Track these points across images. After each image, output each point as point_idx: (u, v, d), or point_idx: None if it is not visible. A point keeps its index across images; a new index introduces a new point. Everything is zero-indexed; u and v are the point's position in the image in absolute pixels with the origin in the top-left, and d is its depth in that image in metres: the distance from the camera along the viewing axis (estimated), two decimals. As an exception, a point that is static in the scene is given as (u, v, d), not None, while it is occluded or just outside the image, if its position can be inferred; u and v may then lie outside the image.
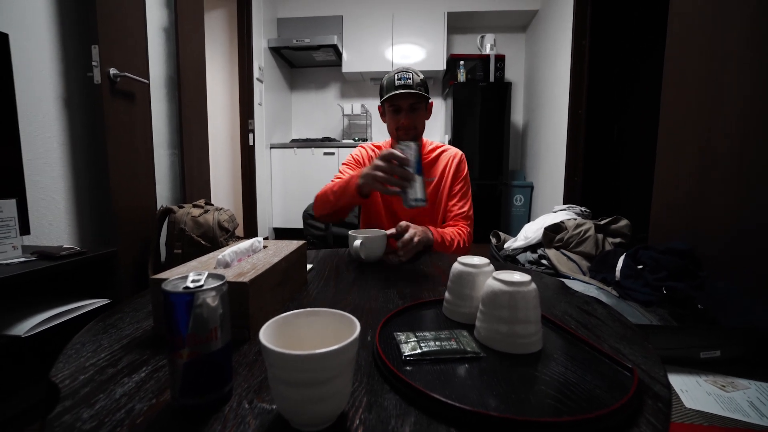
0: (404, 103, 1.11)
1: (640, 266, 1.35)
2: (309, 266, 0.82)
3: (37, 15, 1.32)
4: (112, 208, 1.49)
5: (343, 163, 1.28)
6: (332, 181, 1.24)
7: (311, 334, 0.35)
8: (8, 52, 1.09)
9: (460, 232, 1.14)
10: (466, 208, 1.20)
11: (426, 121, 1.21)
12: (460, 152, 1.26)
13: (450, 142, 3.35)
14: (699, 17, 1.43)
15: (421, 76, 1.13)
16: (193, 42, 2.10)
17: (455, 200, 1.20)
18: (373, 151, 1.28)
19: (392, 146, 1.22)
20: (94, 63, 1.44)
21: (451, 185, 1.21)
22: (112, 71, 1.49)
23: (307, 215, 3.13)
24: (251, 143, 3.05)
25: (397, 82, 1.10)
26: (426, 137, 1.31)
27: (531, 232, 1.87)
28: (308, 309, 0.36)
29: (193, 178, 2.11)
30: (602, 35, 2.73)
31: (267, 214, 3.38)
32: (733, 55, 1.28)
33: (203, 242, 1.60)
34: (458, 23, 3.70)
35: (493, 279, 0.46)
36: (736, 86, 1.26)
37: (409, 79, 1.09)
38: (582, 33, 2.57)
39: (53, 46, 1.38)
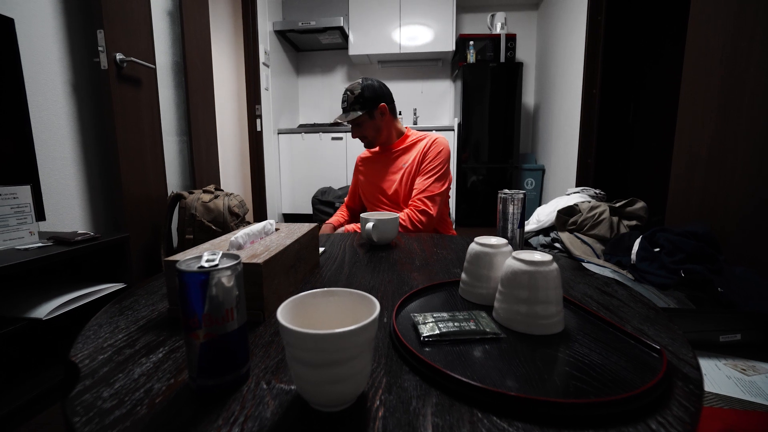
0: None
1: (657, 249, 1.32)
2: (321, 249, 0.81)
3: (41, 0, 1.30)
4: (123, 194, 1.50)
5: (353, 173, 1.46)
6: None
7: (329, 314, 0.35)
8: (14, 37, 1.08)
9: (409, 214, 1.19)
10: (427, 184, 1.22)
11: (381, 123, 1.28)
12: (436, 137, 1.28)
13: (459, 125, 3.28)
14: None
15: (358, 91, 1.23)
16: (198, 26, 2.07)
17: (420, 177, 1.24)
18: (362, 160, 1.42)
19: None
20: (100, 48, 1.42)
21: (418, 167, 1.25)
22: (119, 56, 1.48)
23: (316, 200, 3.14)
24: (259, 129, 3.03)
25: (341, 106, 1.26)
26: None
27: (543, 215, 1.84)
28: (326, 289, 0.35)
29: (201, 164, 2.11)
30: (619, 10, 2.61)
31: (276, 199, 3.38)
32: (758, 34, 1.21)
33: (214, 227, 1.60)
34: (467, 2, 3.58)
35: (513, 259, 0.45)
36: (760, 65, 1.20)
37: (345, 101, 1.24)
38: (598, 7, 2.46)
39: (59, 31, 1.37)
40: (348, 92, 1.24)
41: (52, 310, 0.89)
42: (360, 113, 1.22)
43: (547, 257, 0.44)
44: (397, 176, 1.27)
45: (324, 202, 3.04)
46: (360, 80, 1.25)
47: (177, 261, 0.46)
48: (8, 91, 1.06)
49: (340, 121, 1.25)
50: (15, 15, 1.16)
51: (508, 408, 0.30)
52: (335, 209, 2.94)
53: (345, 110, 1.25)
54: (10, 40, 1.06)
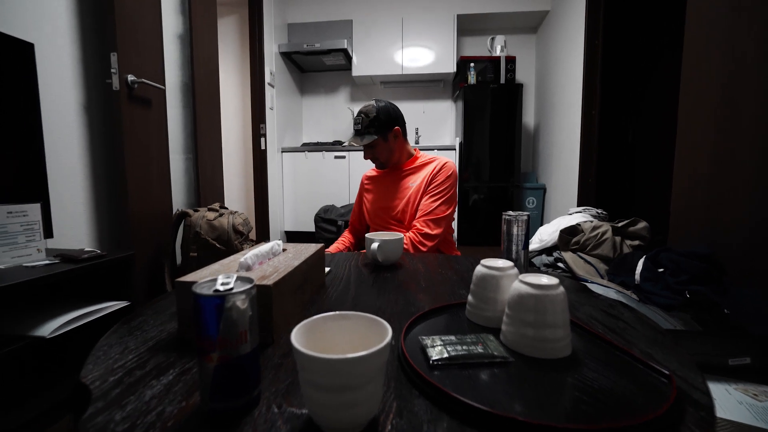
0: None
1: (661, 269, 1.32)
2: (326, 269, 0.82)
3: (59, 24, 1.36)
4: (129, 212, 1.51)
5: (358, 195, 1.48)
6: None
7: (340, 337, 0.35)
8: (33, 61, 1.12)
9: (412, 238, 1.20)
10: (434, 206, 1.23)
11: (394, 145, 1.29)
12: (446, 161, 1.30)
13: (460, 145, 3.33)
14: (717, 14, 1.40)
15: (373, 114, 1.22)
16: (207, 48, 2.14)
17: (426, 198, 1.26)
18: (368, 179, 1.42)
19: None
20: (112, 70, 1.47)
21: (426, 187, 1.27)
22: (130, 78, 1.52)
23: (318, 218, 3.15)
24: (263, 147, 3.08)
25: (353, 128, 1.28)
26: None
27: (546, 234, 1.85)
28: (338, 312, 0.36)
29: (207, 182, 2.13)
30: (616, 34, 2.69)
31: (279, 217, 3.40)
32: (754, 53, 1.24)
33: (218, 245, 1.61)
34: (468, 25, 3.70)
35: (519, 282, 0.46)
36: (757, 83, 1.23)
37: (359, 123, 1.24)
38: (595, 32, 2.54)
39: (74, 54, 1.42)
40: (362, 114, 1.24)
41: (56, 329, 0.89)
42: (375, 137, 1.23)
43: (554, 281, 0.45)
44: (405, 196, 1.28)
45: (326, 220, 3.05)
46: (374, 102, 1.25)
47: (191, 283, 0.47)
48: (25, 112, 1.09)
49: (354, 144, 1.25)
50: (34, 39, 1.20)
51: (520, 434, 0.30)
52: (337, 227, 2.95)
53: (359, 132, 1.25)
54: (29, 65, 1.10)
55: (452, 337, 0.45)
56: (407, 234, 1.21)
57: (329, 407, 0.29)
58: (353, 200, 3.27)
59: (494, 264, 0.53)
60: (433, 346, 0.43)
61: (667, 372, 0.38)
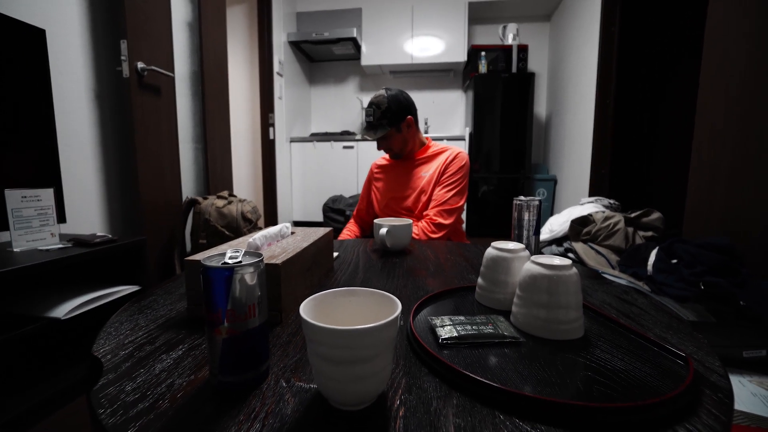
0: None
1: (675, 260, 1.29)
2: (335, 254, 0.82)
3: (70, 11, 1.36)
4: (140, 199, 1.53)
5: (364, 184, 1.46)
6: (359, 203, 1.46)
7: (350, 313, 0.35)
8: (45, 48, 1.12)
9: (423, 227, 1.19)
10: (447, 197, 1.22)
11: (407, 135, 1.27)
12: (459, 151, 1.29)
13: (470, 136, 3.29)
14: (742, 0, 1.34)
15: (384, 105, 1.20)
16: (215, 37, 2.13)
17: (439, 188, 1.24)
18: (379, 168, 1.40)
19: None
20: (122, 57, 1.47)
21: (438, 177, 1.25)
22: (140, 65, 1.52)
23: (327, 208, 3.16)
24: (271, 137, 3.08)
25: (364, 119, 1.26)
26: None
27: (557, 224, 1.82)
28: (346, 288, 0.36)
29: (216, 171, 2.14)
30: (633, 21, 2.61)
31: (287, 207, 3.41)
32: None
33: (227, 233, 1.62)
34: (479, 13, 3.62)
35: (531, 263, 0.45)
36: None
37: (371, 116, 1.22)
38: (611, 19, 2.46)
39: (84, 41, 1.42)
40: (374, 106, 1.21)
41: (71, 310, 0.91)
42: (388, 129, 1.21)
43: (567, 262, 0.44)
44: (417, 185, 1.27)
45: (335, 210, 3.06)
46: (383, 92, 1.22)
47: (197, 261, 0.47)
48: (37, 98, 1.11)
49: (368, 137, 1.23)
50: (45, 25, 1.21)
51: (531, 411, 0.30)
52: (346, 217, 2.95)
53: (372, 125, 1.23)
54: (41, 51, 1.11)
55: (462, 318, 0.45)
56: (420, 225, 1.20)
57: (337, 380, 0.29)
58: (361, 190, 3.28)
59: (505, 246, 0.52)
60: (442, 326, 0.43)
61: (683, 354, 0.37)
